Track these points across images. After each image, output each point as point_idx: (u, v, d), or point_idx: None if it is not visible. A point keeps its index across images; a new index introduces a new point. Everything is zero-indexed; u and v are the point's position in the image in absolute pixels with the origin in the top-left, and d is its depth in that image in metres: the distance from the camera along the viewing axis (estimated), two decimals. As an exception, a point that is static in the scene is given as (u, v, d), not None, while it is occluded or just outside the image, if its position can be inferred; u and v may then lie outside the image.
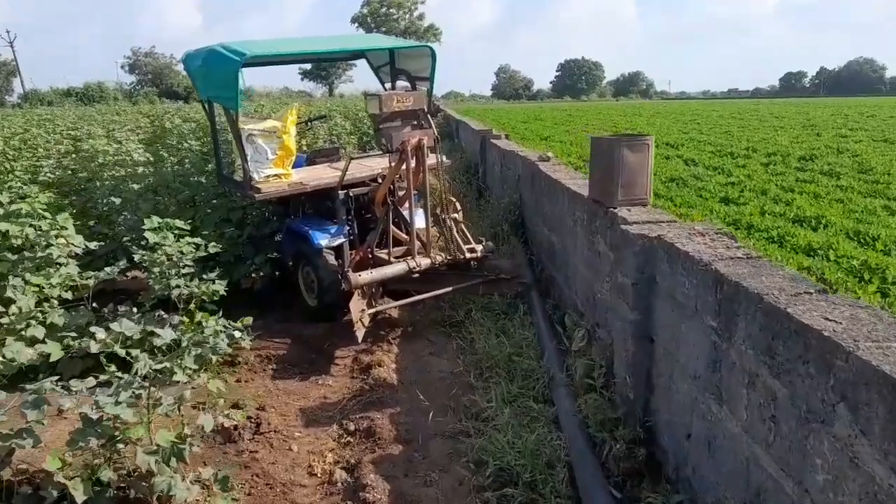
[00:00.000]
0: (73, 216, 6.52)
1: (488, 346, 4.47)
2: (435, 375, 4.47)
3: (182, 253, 4.42)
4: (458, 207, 5.55)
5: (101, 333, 2.83)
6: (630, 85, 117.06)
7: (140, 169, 6.76)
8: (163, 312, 4.64)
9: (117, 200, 6.18)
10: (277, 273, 6.33)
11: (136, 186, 6.59)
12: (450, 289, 5.19)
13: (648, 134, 4.01)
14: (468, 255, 5.25)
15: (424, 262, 5.12)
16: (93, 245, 4.72)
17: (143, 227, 4.59)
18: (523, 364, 4.14)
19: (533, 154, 7.05)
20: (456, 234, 5.30)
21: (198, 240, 4.70)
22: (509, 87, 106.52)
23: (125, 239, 5.87)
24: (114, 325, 2.91)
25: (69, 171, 7.40)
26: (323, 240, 5.41)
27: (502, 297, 5.38)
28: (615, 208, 3.84)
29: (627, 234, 3.26)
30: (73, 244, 4.51)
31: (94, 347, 2.75)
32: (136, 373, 2.75)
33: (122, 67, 72.13)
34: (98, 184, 6.73)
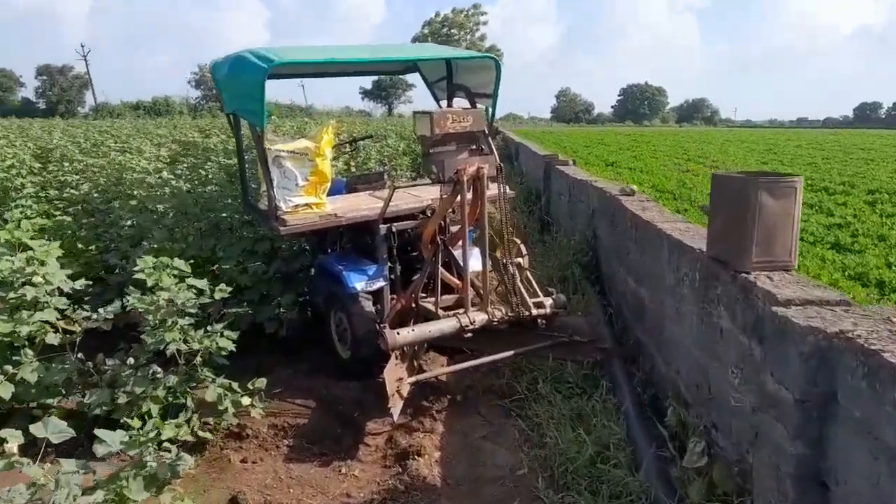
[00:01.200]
0: (89, 241, 5.87)
1: (562, 440, 3.42)
2: (490, 474, 3.45)
3: (175, 302, 3.57)
4: (524, 251, 4.55)
5: (13, 442, 1.94)
6: (694, 111, 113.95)
7: (152, 191, 6.01)
8: (157, 369, 3.82)
9: (129, 224, 5.42)
10: (310, 313, 5.45)
11: (161, 208, 5.84)
12: (511, 353, 4.17)
13: (794, 174, 2.95)
14: (534, 312, 4.23)
15: (479, 317, 4.12)
16: (77, 284, 3.89)
17: (136, 266, 3.76)
18: (612, 475, 3.07)
19: (612, 186, 6.01)
20: (520, 284, 4.29)
21: (202, 282, 3.84)
22: (569, 110, 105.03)
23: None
24: (35, 429, 2.02)
25: (96, 189, 6.74)
26: (359, 282, 4.50)
27: (576, 364, 4.32)
28: (748, 273, 2.78)
29: (788, 323, 2.20)
30: (51, 282, 3.70)
31: (-3, 466, 1.87)
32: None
33: (189, 83, 74.09)
34: (118, 204, 6.01)
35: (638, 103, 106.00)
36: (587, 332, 4.38)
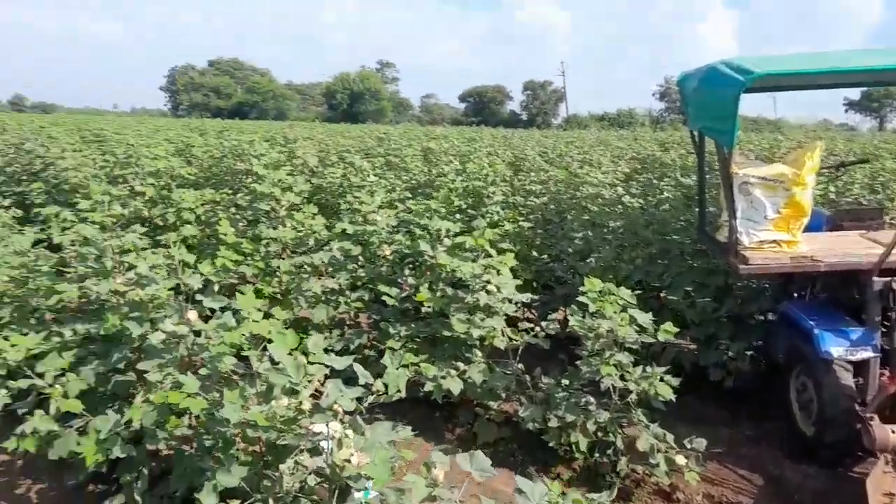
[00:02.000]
0: (542, 249, 6.15)
1: None
2: None
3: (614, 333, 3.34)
4: None
5: (440, 469, 1.92)
6: None
7: (605, 207, 5.94)
8: (590, 400, 3.68)
9: (579, 238, 5.48)
10: (763, 363, 4.62)
11: (611, 225, 5.76)
12: None
13: None
14: None
15: None
16: (524, 297, 3.99)
17: (582, 288, 3.65)
18: None
19: None
20: None
21: (646, 316, 3.51)
22: None
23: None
24: (461, 459, 1.98)
25: (553, 200, 7.08)
26: (836, 347, 3.55)
27: None
28: None
29: None
30: (502, 291, 3.87)
31: None
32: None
33: (654, 95, 76.73)
34: (570, 216, 6.17)
35: None
36: None
